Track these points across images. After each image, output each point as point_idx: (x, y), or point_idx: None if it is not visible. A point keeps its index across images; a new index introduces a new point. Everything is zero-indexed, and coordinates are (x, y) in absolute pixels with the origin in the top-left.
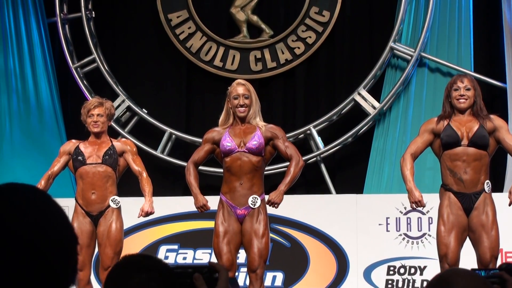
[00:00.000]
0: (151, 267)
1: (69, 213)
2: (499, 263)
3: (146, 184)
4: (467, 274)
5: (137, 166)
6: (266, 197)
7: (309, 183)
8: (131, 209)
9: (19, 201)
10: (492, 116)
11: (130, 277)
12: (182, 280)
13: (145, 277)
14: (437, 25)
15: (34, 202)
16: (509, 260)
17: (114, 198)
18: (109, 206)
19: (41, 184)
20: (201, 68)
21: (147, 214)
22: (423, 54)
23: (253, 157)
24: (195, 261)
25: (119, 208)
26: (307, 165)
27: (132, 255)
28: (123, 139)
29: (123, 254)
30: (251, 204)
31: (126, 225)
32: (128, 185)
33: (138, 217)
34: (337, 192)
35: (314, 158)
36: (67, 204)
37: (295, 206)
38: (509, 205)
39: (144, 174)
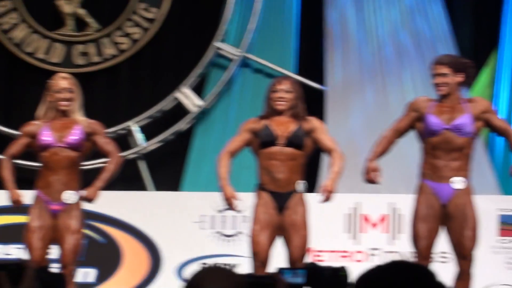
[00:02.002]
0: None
1: None
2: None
3: None
4: (219, 274)
5: None
6: (83, 193)
7: (128, 179)
8: None
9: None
10: (309, 117)
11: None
12: None
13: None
14: (263, 27)
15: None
16: (318, 259)
17: None
18: None
19: None
20: (23, 60)
21: None
22: (247, 55)
23: (72, 152)
24: (7, 256)
25: None
26: (127, 161)
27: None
28: None
29: None
30: (66, 199)
31: None
32: None
33: None
34: (157, 189)
35: (134, 155)
36: None
37: (112, 203)
38: (324, 201)
39: None
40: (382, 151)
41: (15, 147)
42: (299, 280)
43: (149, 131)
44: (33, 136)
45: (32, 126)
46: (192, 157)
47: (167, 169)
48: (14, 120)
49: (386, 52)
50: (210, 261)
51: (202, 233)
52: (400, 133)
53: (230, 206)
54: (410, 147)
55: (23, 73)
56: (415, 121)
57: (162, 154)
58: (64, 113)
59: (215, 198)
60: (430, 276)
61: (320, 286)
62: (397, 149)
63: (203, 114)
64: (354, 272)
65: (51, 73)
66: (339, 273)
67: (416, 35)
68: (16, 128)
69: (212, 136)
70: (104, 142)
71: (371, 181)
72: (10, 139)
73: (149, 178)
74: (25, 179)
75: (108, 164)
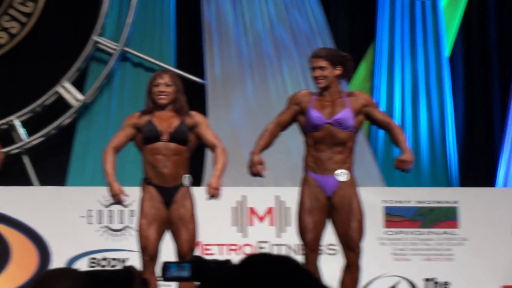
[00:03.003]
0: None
1: None
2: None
3: None
4: (63, 274)
5: None
6: None
7: (11, 174)
8: None
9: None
10: (192, 112)
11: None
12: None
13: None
14: (141, 21)
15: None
16: (207, 252)
17: None
18: None
19: None
20: None
21: None
22: (126, 49)
23: None
24: None
25: None
26: (9, 156)
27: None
28: None
29: None
30: None
31: None
32: None
33: None
34: (41, 184)
35: (17, 150)
36: None
37: None
38: (210, 198)
39: None
40: (266, 144)
41: None
42: (184, 274)
43: (31, 126)
44: None
45: None
46: (75, 151)
47: (51, 164)
48: None
49: (264, 46)
50: (99, 256)
51: (89, 228)
52: (282, 126)
53: (118, 201)
54: (293, 140)
55: None
56: (297, 115)
57: (45, 148)
58: None
59: (101, 193)
60: (296, 265)
61: (205, 280)
62: (281, 141)
63: (85, 108)
64: None
65: None
66: (226, 266)
67: (293, 29)
68: None
69: (94, 130)
70: None
71: (256, 174)
72: None
73: (34, 173)
74: None
75: None
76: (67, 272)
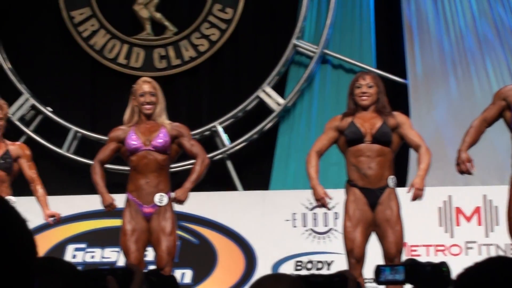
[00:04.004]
0: (54, 270)
1: None
2: (404, 257)
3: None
4: (285, 280)
5: (31, 172)
6: (173, 195)
7: (216, 180)
8: (36, 208)
9: None
10: (395, 112)
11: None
12: (95, 282)
13: (47, 279)
14: (340, 22)
15: None
16: (413, 254)
17: (9, 199)
18: None
19: None
20: (105, 65)
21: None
22: (325, 51)
23: (159, 155)
24: (103, 260)
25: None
26: (213, 162)
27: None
28: (19, 143)
29: None
30: (158, 202)
31: (32, 225)
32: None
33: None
34: (244, 188)
35: (221, 155)
36: None
37: (202, 203)
38: (413, 199)
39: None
40: (473, 141)
41: (104, 152)
42: (399, 277)
43: (234, 132)
44: (121, 141)
45: (118, 131)
46: (277, 155)
47: (253, 169)
48: (100, 125)
49: (467, 42)
50: (304, 259)
51: (294, 231)
52: (488, 122)
53: (323, 205)
54: (499, 136)
55: (106, 78)
56: (503, 110)
57: (248, 153)
58: (149, 117)
59: (305, 196)
60: None
61: (420, 283)
62: (486, 138)
63: (286, 112)
64: (452, 266)
65: (133, 78)
66: (441, 268)
67: (496, 25)
68: (101, 133)
69: (296, 134)
70: (191, 144)
71: (465, 172)
72: (97, 144)
73: (237, 178)
74: (115, 183)
75: (196, 166)
76: (283, 277)
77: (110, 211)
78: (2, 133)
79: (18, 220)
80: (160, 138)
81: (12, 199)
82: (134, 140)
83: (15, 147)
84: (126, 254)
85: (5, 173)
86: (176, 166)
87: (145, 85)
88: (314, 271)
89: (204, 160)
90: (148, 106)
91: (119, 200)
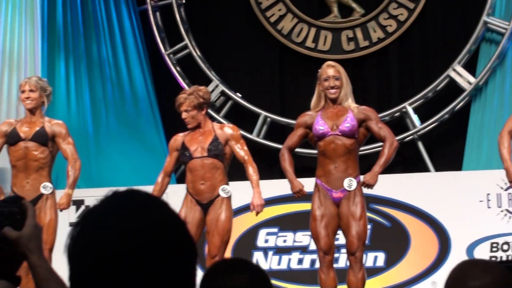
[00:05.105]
0: (248, 270)
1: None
2: None
3: (254, 173)
4: (482, 268)
5: (242, 153)
6: (362, 178)
7: (406, 161)
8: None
9: (139, 208)
10: None
11: (228, 280)
12: None
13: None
14: None
15: (154, 210)
16: None
17: (224, 188)
18: (218, 195)
19: (158, 184)
20: (293, 50)
21: (260, 206)
22: None
23: (347, 140)
24: (295, 244)
25: (229, 198)
26: (404, 144)
27: (227, 258)
28: (226, 125)
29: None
30: (347, 186)
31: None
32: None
33: (252, 211)
34: (436, 169)
35: (411, 136)
36: None
37: (393, 186)
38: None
39: (249, 160)
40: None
41: (292, 139)
42: None
43: (424, 112)
44: (308, 126)
45: (305, 117)
46: (470, 135)
47: (446, 149)
48: (289, 110)
49: None
50: (500, 240)
51: (489, 212)
52: None
53: None
54: None
55: (294, 62)
56: None
57: (439, 134)
58: (334, 101)
59: (499, 176)
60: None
61: None
62: None
63: (478, 91)
64: None
65: (321, 61)
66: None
67: None
68: (291, 117)
69: (489, 112)
70: (378, 127)
71: None
72: (287, 128)
73: (428, 159)
74: (305, 167)
75: (384, 149)
76: (491, 266)
77: (299, 197)
78: (196, 123)
79: (179, 220)
80: (347, 123)
81: (226, 187)
82: (321, 126)
83: (222, 131)
84: (316, 239)
85: (218, 160)
86: (365, 149)
87: (329, 69)
88: (510, 253)
89: (392, 143)
90: (332, 91)
91: (309, 184)
